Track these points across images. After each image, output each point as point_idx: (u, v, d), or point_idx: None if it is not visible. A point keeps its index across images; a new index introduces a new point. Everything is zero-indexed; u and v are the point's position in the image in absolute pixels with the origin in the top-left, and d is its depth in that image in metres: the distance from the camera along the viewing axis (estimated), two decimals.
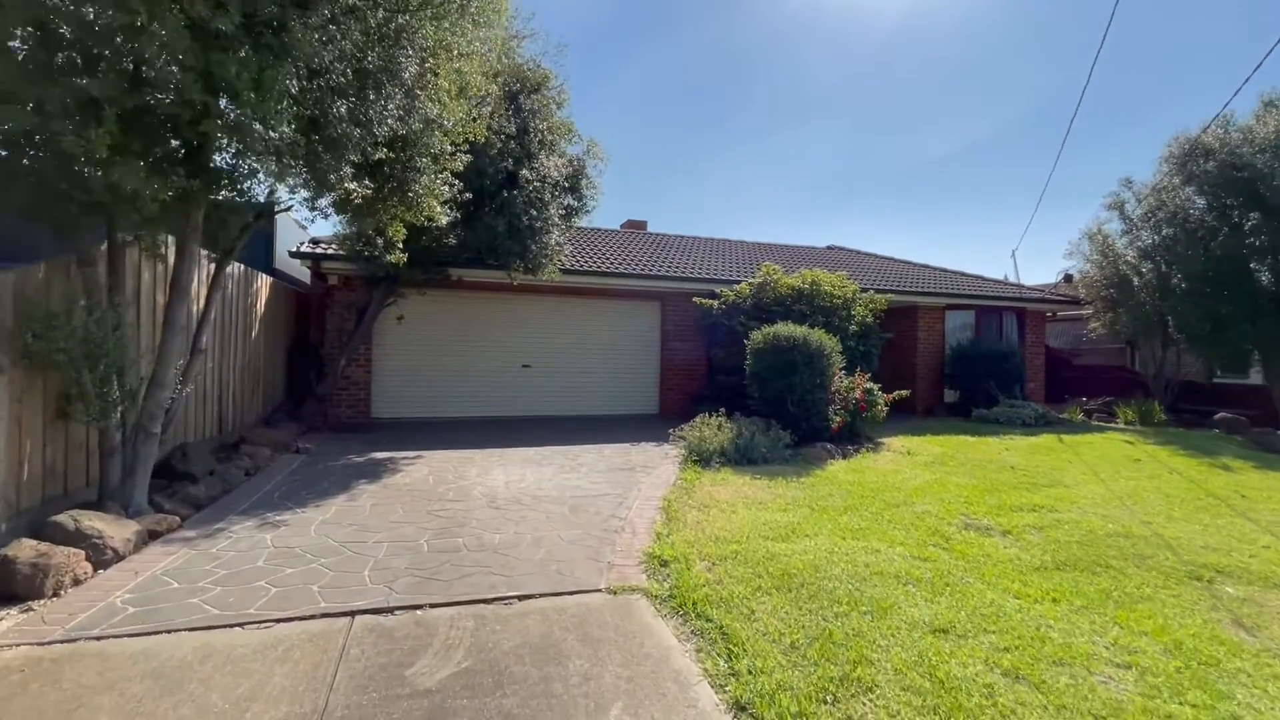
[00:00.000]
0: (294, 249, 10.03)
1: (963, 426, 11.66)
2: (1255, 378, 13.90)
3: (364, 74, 4.16)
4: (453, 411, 11.25)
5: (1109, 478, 7.48)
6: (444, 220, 6.08)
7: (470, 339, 11.49)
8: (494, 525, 4.86)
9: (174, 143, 3.91)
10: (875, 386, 9.72)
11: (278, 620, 3.18)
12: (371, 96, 4.10)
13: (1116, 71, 45.55)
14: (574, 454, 7.92)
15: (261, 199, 4.52)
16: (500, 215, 8.31)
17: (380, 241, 7.04)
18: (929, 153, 53.12)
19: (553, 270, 10.11)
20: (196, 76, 3.38)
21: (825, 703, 2.59)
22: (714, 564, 4.14)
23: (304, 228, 12.73)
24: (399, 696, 2.56)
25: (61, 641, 2.94)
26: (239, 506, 5.09)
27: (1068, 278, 14.78)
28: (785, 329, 8.76)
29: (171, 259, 4.99)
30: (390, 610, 3.34)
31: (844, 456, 8.17)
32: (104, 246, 4.42)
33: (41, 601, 3.32)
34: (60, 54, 3.57)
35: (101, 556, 3.72)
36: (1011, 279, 16.59)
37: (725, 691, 2.68)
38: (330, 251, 9.96)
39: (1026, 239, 49.76)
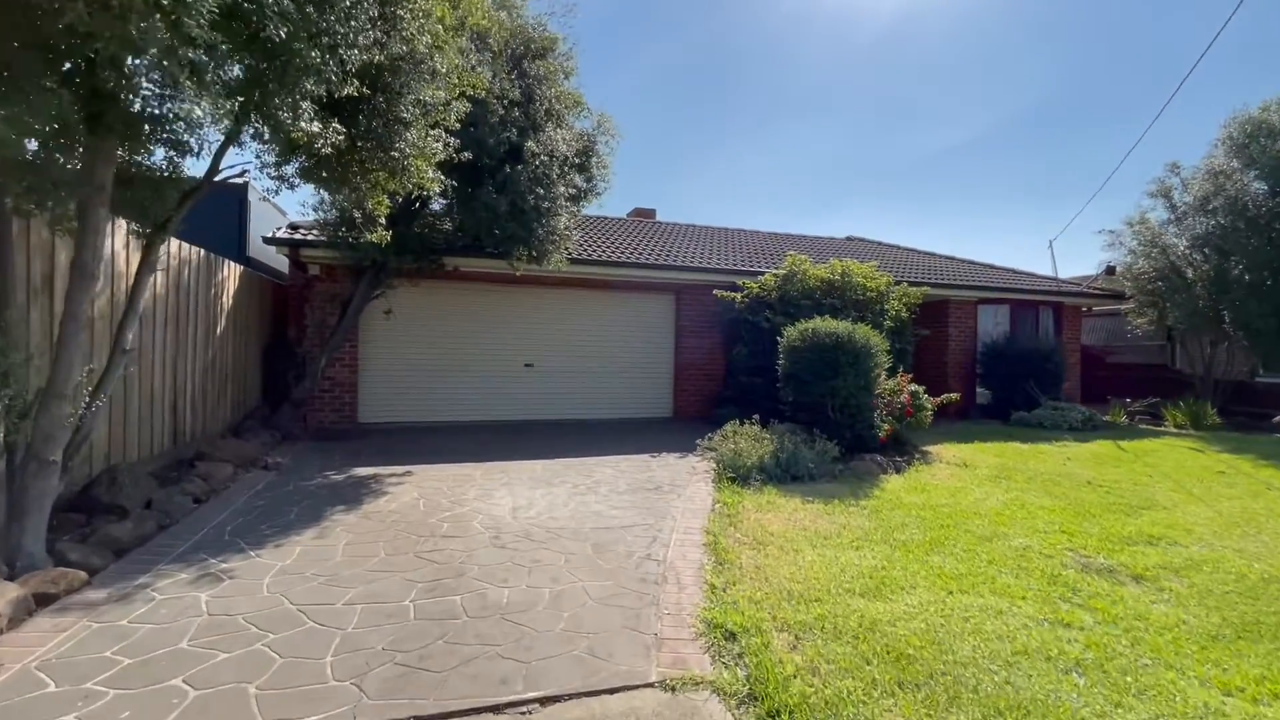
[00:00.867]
0: (269, 235, 8.93)
1: (1006, 432, 10.66)
2: None
3: None
4: (448, 415, 10.18)
5: (1205, 496, 6.49)
6: (437, 188, 5.00)
7: (467, 336, 10.41)
8: (500, 574, 3.81)
9: (64, 66, 2.84)
10: (920, 389, 8.71)
11: None
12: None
13: (1115, 69, 44.62)
14: (588, 469, 6.87)
15: (195, 149, 3.44)
16: (502, 194, 7.23)
17: (359, 217, 5.94)
18: (926, 147, 52.14)
19: (560, 259, 9.05)
20: None
21: None
22: (797, 637, 3.10)
23: (284, 213, 11.61)
24: None
25: None
26: (176, 549, 4.02)
27: (1109, 270, 13.82)
28: (826, 324, 7.73)
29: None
30: None
31: (897, 471, 7.15)
32: None
33: None
34: None
35: None
36: (1047, 272, 15.58)
37: None
38: (310, 238, 8.88)
39: (1041, 232, 48.87)
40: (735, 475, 6.34)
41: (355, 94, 3.79)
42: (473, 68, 6.45)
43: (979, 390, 13.56)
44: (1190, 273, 12.21)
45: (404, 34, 3.75)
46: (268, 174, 4.84)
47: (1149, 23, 39.06)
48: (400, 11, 3.67)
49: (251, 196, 9.83)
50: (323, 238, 8.49)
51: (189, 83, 2.62)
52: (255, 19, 2.73)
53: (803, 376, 7.74)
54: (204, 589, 3.45)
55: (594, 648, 2.94)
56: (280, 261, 10.32)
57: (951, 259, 15.86)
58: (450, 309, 10.30)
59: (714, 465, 6.90)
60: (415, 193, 5.14)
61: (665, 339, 11.73)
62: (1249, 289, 11.07)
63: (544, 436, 9.11)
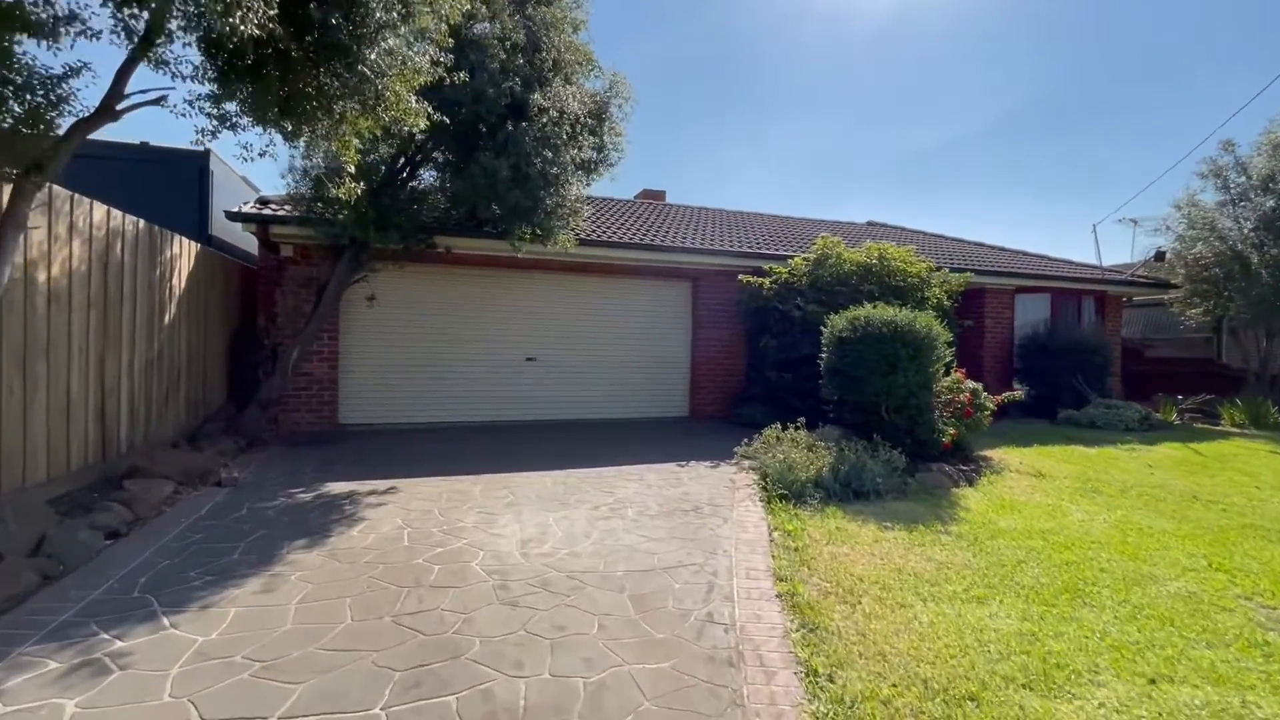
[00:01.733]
0: (234, 210, 7.77)
1: (1061, 433, 9.64)
2: None
3: None
4: (440, 415, 9.05)
5: None
6: (423, 123, 3.87)
7: (462, 326, 9.28)
8: (512, 653, 2.72)
9: None
10: (978, 386, 7.65)
11: None
12: None
13: (1115, 64, 43.59)
14: (607, 482, 5.78)
15: (59, 35, 2.33)
16: (503, 156, 6.09)
17: (323, 169, 4.80)
18: (921, 141, 51.07)
19: (567, 239, 7.93)
20: None
21: None
22: None
23: (256, 189, 10.41)
24: None
25: None
26: (56, 617, 2.91)
27: (1159, 255, 12.82)
28: (881, 311, 6.65)
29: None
30: None
31: (968, 483, 6.10)
32: None
33: None
34: None
35: None
36: (1090, 260, 14.56)
37: None
38: (281, 213, 7.73)
39: (1040, 226, 47.90)
40: (786, 492, 5.26)
41: None
42: None
43: (1015, 386, 12.56)
44: (1256, 258, 11.17)
45: None
46: (202, 110, 3.70)
47: (1147, 18, 38.05)
48: None
49: (215, 167, 8.63)
50: (295, 213, 7.35)
51: None
52: None
53: (852, 372, 6.65)
54: (76, 690, 2.34)
55: None
56: (253, 243, 9.15)
57: (980, 245, 14.82)
58: (442, 296, 9.16)
59: (756, 478, 5.84)
60: (397, 143, 4.01)
61: (681, 331, 10.62)
62: None
63: (550, 440, 8.01)
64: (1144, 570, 3.93)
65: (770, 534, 4.38)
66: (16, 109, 2.72)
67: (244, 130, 3.88)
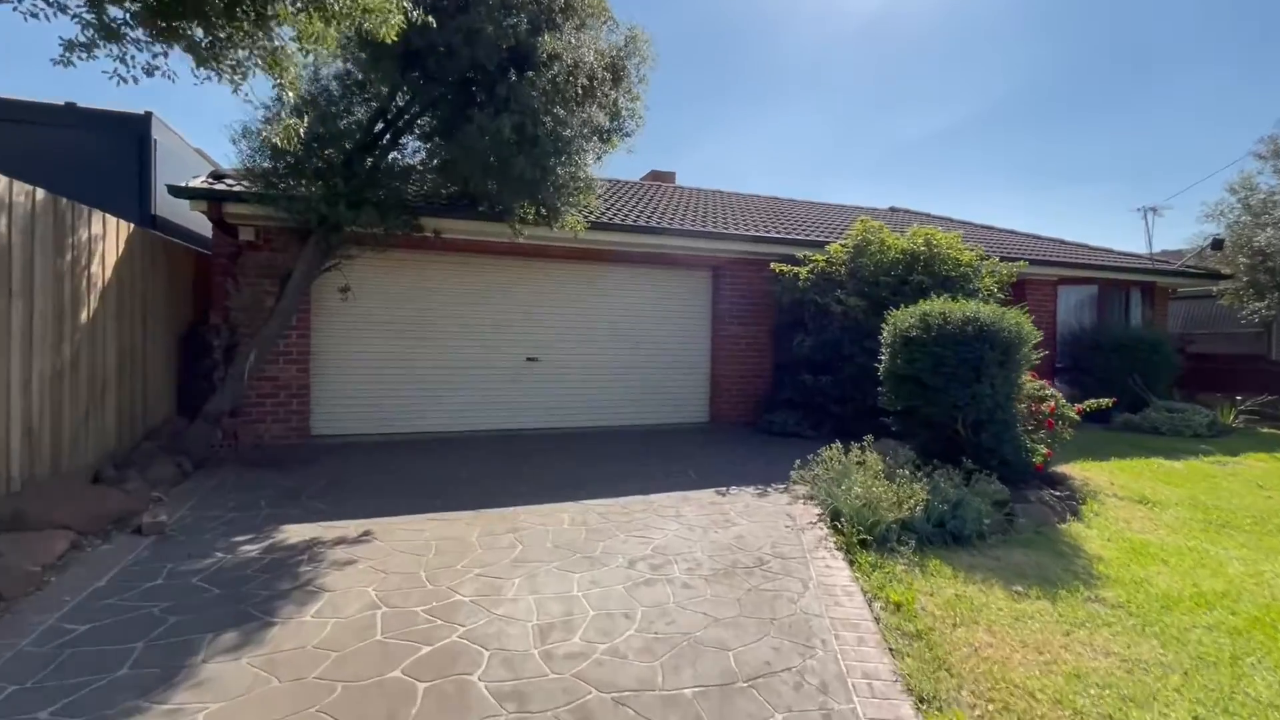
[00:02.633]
0: (179, 185, 6.51)
1: (1126, 441, 8.62)
2: None
3: None
4: (428, 425, 7.88)
5: None
6: (398, 23, 2.69)
7: (452, 322, 8.08)
8: None
9: None
10: (1059, 394, 6.58)
11: None
12: None
13: (1113, 59, 42.58)
14: (636, 520, 4.64)
15: None
16: (505, 113, 4.88)
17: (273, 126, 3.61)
18: (914, 131, 50.00)
19: (577, 221, 6.76)
20: None
21: None
22: None
23: (214, 163, 9.09)
24: None
25: None
26: None
27: (1216, 243, 11.83)
28: (961, 307, 5.54)
29: None
30: None
31: (1072, 514, 5.02)
32: None
33: None
34: None
35: None
36: (1139, 248, 13.53)
37: None
38: (236, 189, 6.49)
39: (1037, 219, 46.99)
40: (867, 535, 4.15)
41: None
42: None
43: (1056, 385, 11.54)
44: None
45: None
46: (69, 13, 2.50)
47: (1145, 10, 37.06)
48: None
49: (161, 135, 7.33)
50: (254, 188, 6.12)
51: None
52: None
53: (925, 380, 5.54)
54: None
55: None
56: (204, 224, 7.88)
57: (1014, 233, 13.76)
58: (430, 287, 7.95)
59: (819, 512, 4.74)
60: (375, 104, 2.80)
61: (700, 326, 9.48)
62: None
63: (558, 455, 6.86)
64: None
65: (872, 608, 3.27)
66: None
67: (138, 46, 2.68)
